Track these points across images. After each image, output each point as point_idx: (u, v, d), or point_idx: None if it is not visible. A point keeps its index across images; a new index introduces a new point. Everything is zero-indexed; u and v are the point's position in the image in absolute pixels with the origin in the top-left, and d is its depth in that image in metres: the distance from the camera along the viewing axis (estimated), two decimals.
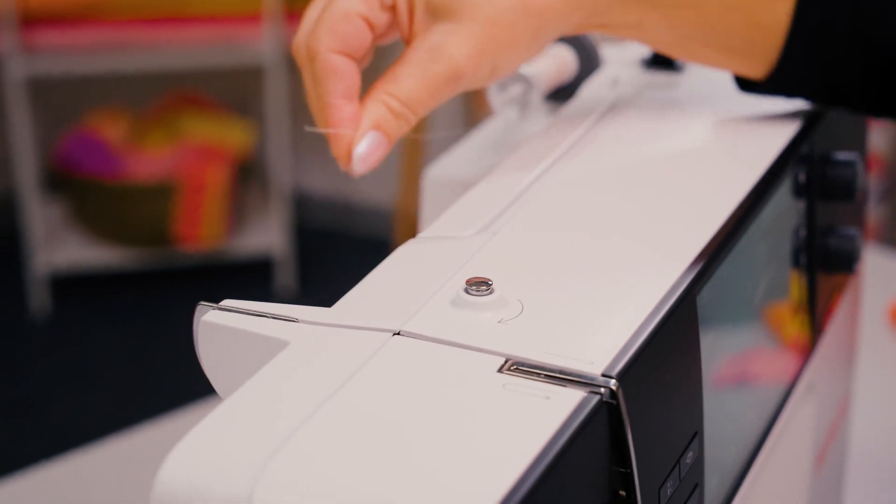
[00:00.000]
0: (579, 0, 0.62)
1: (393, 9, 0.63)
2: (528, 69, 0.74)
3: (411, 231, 0.64)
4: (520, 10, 0.61)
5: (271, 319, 0.53)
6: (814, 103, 0.69)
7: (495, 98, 0.75)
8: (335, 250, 3.16)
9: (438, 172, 0.76)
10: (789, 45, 0.66)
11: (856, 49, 0.66)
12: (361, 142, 0.61)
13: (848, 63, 0.66)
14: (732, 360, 0.59)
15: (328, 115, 0.61)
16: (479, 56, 0.61)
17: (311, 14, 0.64)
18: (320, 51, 0.61)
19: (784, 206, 0.65)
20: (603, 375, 0.47)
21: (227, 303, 0.54)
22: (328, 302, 0.54)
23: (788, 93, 0.68)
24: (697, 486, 0.54)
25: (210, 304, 0.54)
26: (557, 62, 0.76)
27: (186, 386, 2.55)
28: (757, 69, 0.67)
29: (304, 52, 0.63)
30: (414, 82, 0.61)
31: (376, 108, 0.61)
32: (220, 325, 0.53)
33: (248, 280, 2.99)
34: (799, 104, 0.70)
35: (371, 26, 0.62)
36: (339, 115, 0.61)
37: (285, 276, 2.96)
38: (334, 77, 0.61)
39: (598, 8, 0.63)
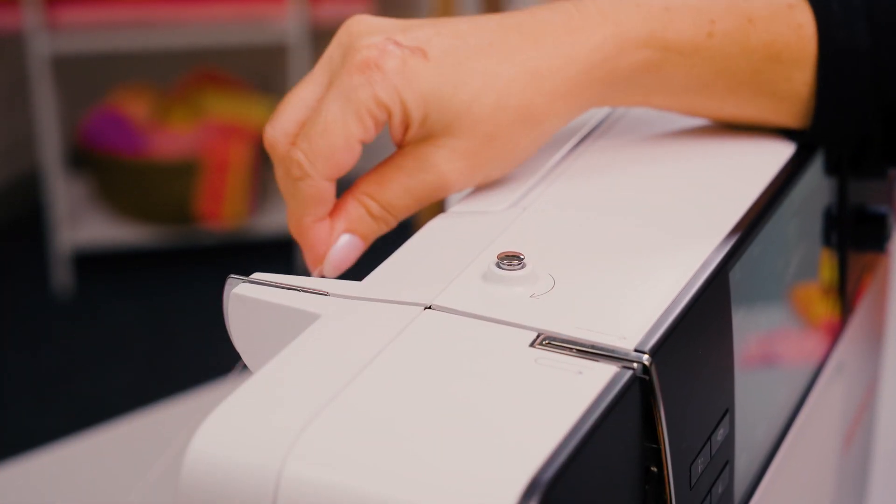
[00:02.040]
0: (584, 101, 0.60)
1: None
2: None
3: (433, 212, 0.64)
4: (520, 122, 0.58)
5: (302, 292, 0.53)
6: (848, 154, 0.66)
7: None
8: None
9: None
10: (816, 117, 0.62)
11: (880, 107, 0.63)
12: (334, 248, 0.59)
13: (874, 121, 0.63)
14: (763, 337, 0.59)
15: (306, 237, 0.59)
16: (471, 170, 0.59)
17: (290, 111, 0.59)
18: (313, 176, 0.58)
19: (815, 184, 0.65)
20: (636, 350, 0.47)
21: (257, 276, 0.54)
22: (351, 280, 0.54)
23: (820, 145, 0.65)
24: (728, 463, 0.54)
25: (240, 276, 0.54)
26: None
27: (208, 363, 2.56)
28: (782, 124, 0.64)
29: (286, 158, 0.59)
30: (398, 188, 0.59)
31: (355, 208, 0.59)
32: (250, 298, 0.53)
33: (271, 258, 2.99)
34: None
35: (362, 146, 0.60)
36: (318, 236, 0.59)
37: None
38: (321, 204, 0.59)
39: (603, 101, 0.61)
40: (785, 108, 0.63)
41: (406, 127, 0.59)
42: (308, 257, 0.60)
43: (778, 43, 0.61)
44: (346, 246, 0.59)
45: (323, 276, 0.59)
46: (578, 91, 0.59)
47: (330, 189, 0.59)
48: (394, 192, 0.59)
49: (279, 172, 0.60)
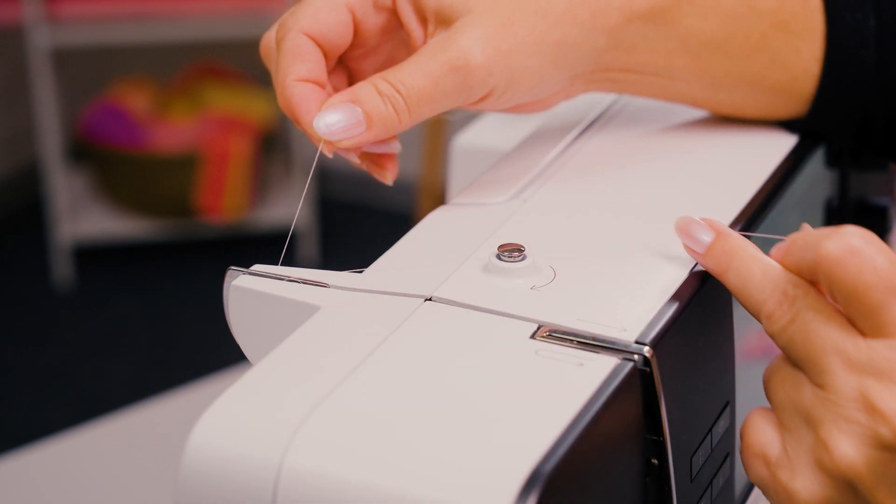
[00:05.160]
0: (603, 22, 0.59)
1: (391, 11, 0.60)
2: None
3: (434, 204, 0.63)
4: (540, 13, 0.57)
5: (302, 284, 0.53)
6: (848, 145, 0.66)
7: None
8: (357, 223, 3.16)
9: (466, 141, 0.76)
10: (821, 91, 0.62)
11: (886, 94, 0.63)
12: (331, 110, 0.56)
13: (878, 108, 0.63)
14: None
15: (289, 98, 0.57)
16: (495, 53, 0.56)
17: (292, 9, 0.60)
18: (292, 29, 0.58)
19: (816, 177, 0.65)
20: (636, 342, 0.47)
21: (257, 267, 0.54)
22: None
23: (824, 134, 0.65)
24: (728, 455, 0.54)
25: (240, 268, 0.54)
26: None
27: (208, 356, 2.56)
28: (789, 113, 0.64)
29: (272, 41, 0.59)
30: (413, 67, 0.56)
31: (362, 86, 0.56)
32: (250, 290, 0.53)
33: (271, 252, 2.99)
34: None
35: (357, 23, 0.59)
36: (302, 94, 0.57)
37: (308, 248, 2.96)
38: (298, 58, 0.57)
39: (623, 40, 0.60)
40: (798, 83, 0.63)
41: (423, 20, 0.59)
42: (302, 125, 0.57)
43: (785, 10, 0.61)
44: (344, 110, 0.55)
45: (325, 151, 0.56)
46: (602, 19, 0.59)
47: (310, 46, 0.58)
48: (407, 71, 0.56)
49: (272, 68, 0.60)
